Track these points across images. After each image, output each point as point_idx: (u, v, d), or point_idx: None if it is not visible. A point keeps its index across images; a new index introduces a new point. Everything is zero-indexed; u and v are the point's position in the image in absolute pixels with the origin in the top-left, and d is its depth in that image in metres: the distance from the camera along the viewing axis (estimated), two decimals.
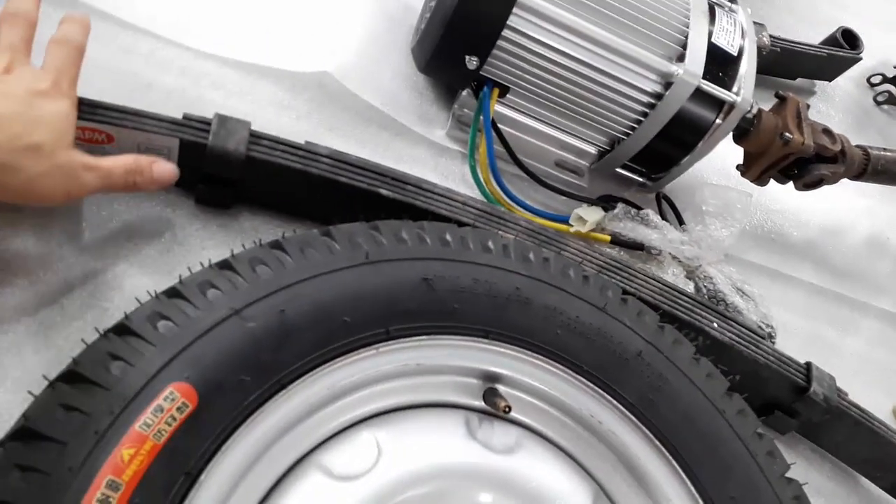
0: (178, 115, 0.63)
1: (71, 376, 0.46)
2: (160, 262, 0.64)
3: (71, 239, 0.62)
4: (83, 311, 0.59)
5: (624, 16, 0.79)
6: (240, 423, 0.48)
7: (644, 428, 0.60)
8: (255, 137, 0.64)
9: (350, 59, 0.84)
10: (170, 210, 0.66)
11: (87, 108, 0.59)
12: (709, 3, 0.86)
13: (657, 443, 0.60)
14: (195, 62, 0.76)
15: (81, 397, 0.45)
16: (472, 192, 0.83)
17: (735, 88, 0.82)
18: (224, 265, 0.53)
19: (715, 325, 0.74)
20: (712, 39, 0.82)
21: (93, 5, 0.74)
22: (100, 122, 0.59)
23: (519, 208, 0.83)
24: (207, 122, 0.63)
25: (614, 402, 0.60)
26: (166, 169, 0.60)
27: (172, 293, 0.51)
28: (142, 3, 0.77)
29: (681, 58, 0.81)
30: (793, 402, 0.78)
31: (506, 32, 0.76)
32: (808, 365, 0.79)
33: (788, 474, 0.64)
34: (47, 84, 0.55)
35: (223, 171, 0.63)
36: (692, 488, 0.60)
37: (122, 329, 0.48)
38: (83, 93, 0.60)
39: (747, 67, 0.83)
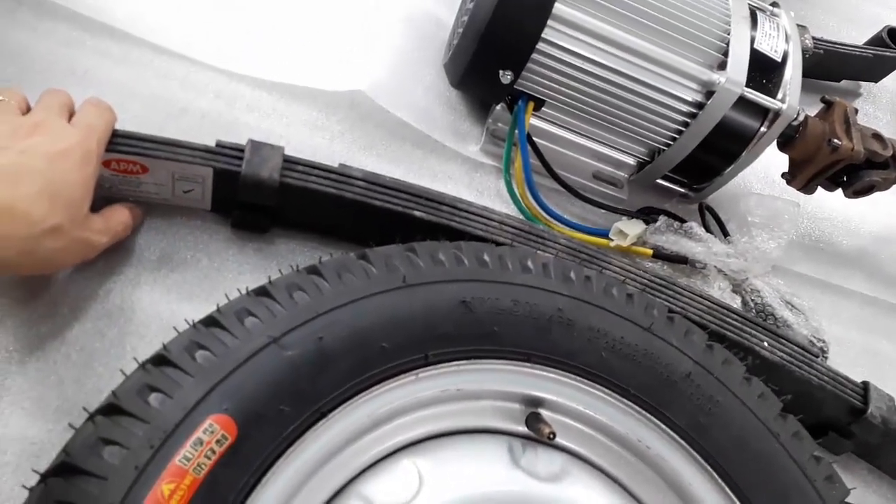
0: (213, 140, 0.62)
1: (111, 409, 0.46)
2: (198, 288, 0.64)
3: (110, 267, 0.62)
4: (122, 338, 0.60)
5: (662, 24, 0.77)
6: (280, 455, 0.47)
7: (695, 453, 0.58)
8: (289, 163, 0.63)
9: (382, 76, 0.83)
10: (206, 236, 0.66)
11: (121, 140, 0.59)
12: (750, 8, 0.83)
13: (709, 468, 0.58)
14: (230, 85, 0.76)
15: (121, 431, 0.44)
16: (507, 207, 0.82)
17: (780, 95, 0.79)
18: (261, 292, 0.52)
19: (765, 343, 0.71)
20: (755, 45, 0.79)
21: (128, 31, 0.75)
22: (134, 154, 0.59)
23: (556, 223, 0.81)
24: (241, 150, 0.62)
25: (663, 426, 0.58)
26: (138, 214, 0.64)
27: (210, 322, 0.50)
28: (176, 27, 0.78)
29: (722, 66, 0.78)
30: (849, 423, 0.74)
31: (540, 45, 0.75)
32: (866, 385, 0.75)
33: (848, 498, 0.61)
34: (74, 140, 0.53)
35: (258, 198, 0.63)
36: None
37: (160, 360, 0.48)
38: (119, 120, 0.60)
39: (792, 73, 0.80)
